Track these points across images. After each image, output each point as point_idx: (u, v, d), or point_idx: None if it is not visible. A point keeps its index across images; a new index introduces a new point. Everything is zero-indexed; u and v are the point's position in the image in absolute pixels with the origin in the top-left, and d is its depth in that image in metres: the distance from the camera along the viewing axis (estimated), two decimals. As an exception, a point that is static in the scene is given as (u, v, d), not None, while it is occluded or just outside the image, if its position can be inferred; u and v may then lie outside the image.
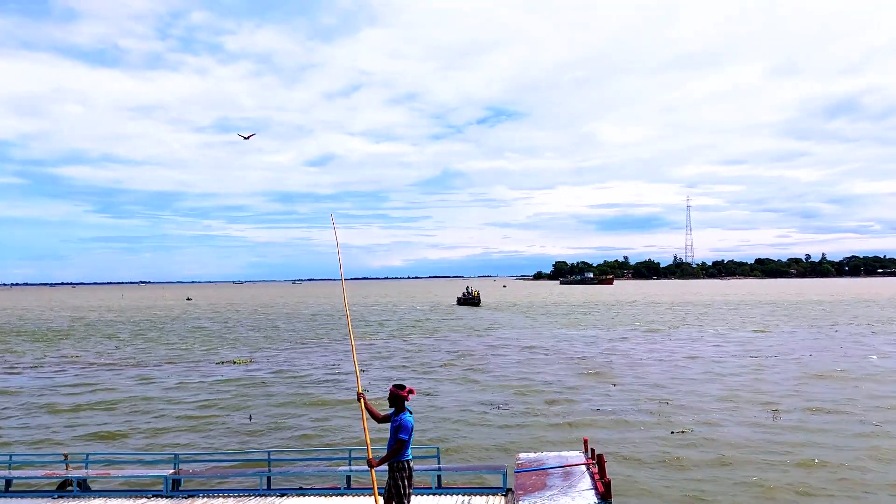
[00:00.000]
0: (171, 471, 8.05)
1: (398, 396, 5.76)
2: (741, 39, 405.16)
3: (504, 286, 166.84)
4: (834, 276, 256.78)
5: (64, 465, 8.59)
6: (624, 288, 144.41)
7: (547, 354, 24.24)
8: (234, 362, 23.08)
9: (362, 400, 5.87)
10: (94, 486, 8.37)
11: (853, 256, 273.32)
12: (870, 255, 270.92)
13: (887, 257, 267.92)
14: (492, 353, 24.82)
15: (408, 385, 6.00)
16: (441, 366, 21.57)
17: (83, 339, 33.87)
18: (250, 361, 23.31)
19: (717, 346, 26.49)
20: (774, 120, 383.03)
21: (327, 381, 18.77)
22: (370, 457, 5.67)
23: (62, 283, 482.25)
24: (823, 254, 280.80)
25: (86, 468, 8.37)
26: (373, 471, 5.67)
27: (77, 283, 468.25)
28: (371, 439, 5.70)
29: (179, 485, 7.97)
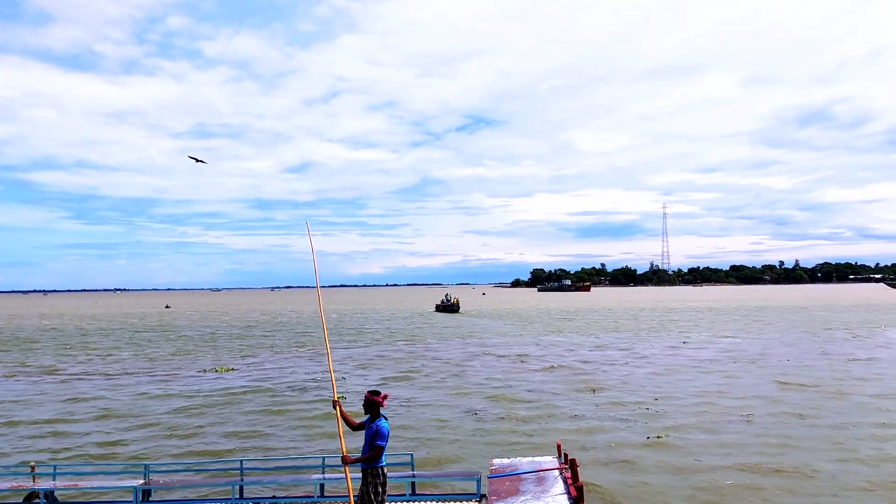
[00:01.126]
0: (142, 481, 7.93)
1: (373, 402, 5.80)
2: (718, 50, 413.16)
3: (483, 293, 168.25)
4: (807, 283, 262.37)
5: (31, 476, 8.39)
6: (601, 294, 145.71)
7: (526, 361, 24.31)
8: (215, 371, 22.96)
9: (338, 407, 5.89)
10: (61, 499, 8.20)
11: (825, 263, 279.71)
12: (841, 262, 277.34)
13: (858, 263, 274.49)
14: (471, 360, 24.84)
15: (383, 391, 6.17)
16: (419, 372, 21.55)
17: (52, 348, 33.16)
18: (230, 370, 23.18)
19: (695, 350, 26.81)
20: (749, 129, 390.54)
21: (304, 388, 18.70)
22: (345, 453, 5.71)
23: (34, 291, 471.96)
24: (797, 260, 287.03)
25: (53, 480, 8.21)
26: (346, 468, 5.71)
27: (49, 291, 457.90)
28: (346, 445, 5.77)
29: (150, 495, 7.86)
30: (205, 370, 23.26)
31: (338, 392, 17.45)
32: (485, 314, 63.02)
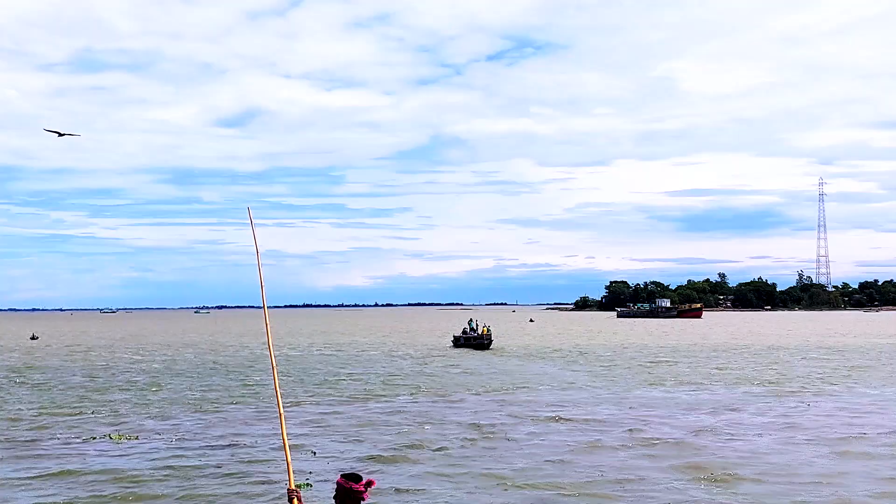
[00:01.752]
0: None
1: (350, 493, 6.07)
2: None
3: (531, 320, 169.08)
4: None
5: None
6: (720, 323, 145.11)
7: (602, 430, 24.08)
8: (109, 438, 23.24)
9: (295, 502, 6.27)
10: None
11: None
12: None
13: None
14: (511, 427, 24.75)
15: (366, 476, 6.28)
16: (426, 447, 21.49)
17: None
18: (131, 437, 23.40)
19: (882, 414, 26.44)
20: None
21: (242, 474, 18.69)
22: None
23: None
24: None
25: None
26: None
27: None
28: None
29: None
30: (93, 437, 23.42)
31: (298, 478, 17.46)
32: (532, 353, 63.07)
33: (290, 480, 6.39)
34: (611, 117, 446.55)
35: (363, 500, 6.07)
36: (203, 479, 17.93)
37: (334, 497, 6.13)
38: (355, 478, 6.13)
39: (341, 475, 6.19)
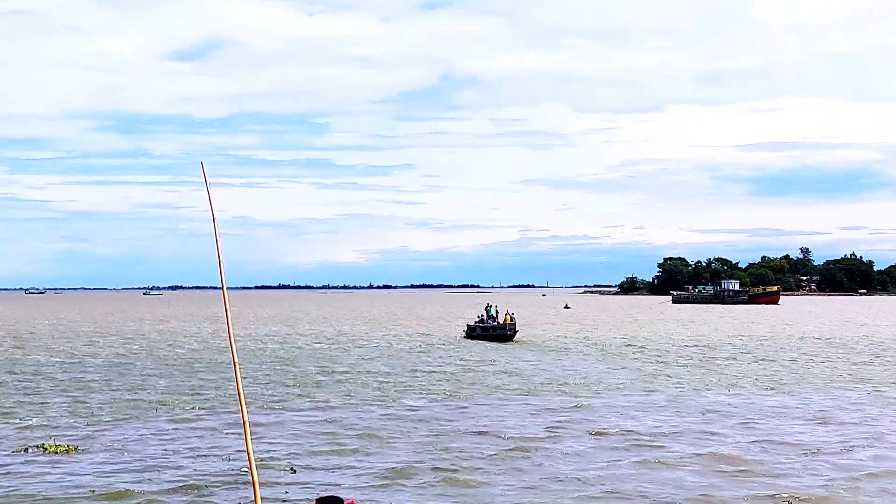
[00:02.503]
0: None
1: None
2: None
3: (567, 306, 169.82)
4: None
5: None
6: (804, 310, 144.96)
7: (668, 448, 23.87)
8: (44, 449, 23.30)
9: None
10: None
11: None
12: None
13: None
14: (545, 442, 24.63)
15: (347, 499, 6.56)
16: (434, 465, 21.39)
17: None
18: (72, 449, 23.40)
19: None
20: None
21: (203, 488, 18.84)
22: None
23: None
24: None
25: None
26: None
27: None
28: None
29: None
30: (25, 449, 23.51)
31: (272, 501, 17.51)
32: (568, 347, 63.36)
33: (256, 501, 6.69)
34: (666, 52, 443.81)
35: None
36: (160, 495, 18.03)
37: None
38: (334, 501, 6.51)
39: (316, 499, 6.58)
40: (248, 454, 6.97)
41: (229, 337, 7.88)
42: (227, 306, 7.92)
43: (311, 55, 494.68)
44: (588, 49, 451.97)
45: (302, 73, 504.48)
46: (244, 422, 7.13)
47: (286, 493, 17.90)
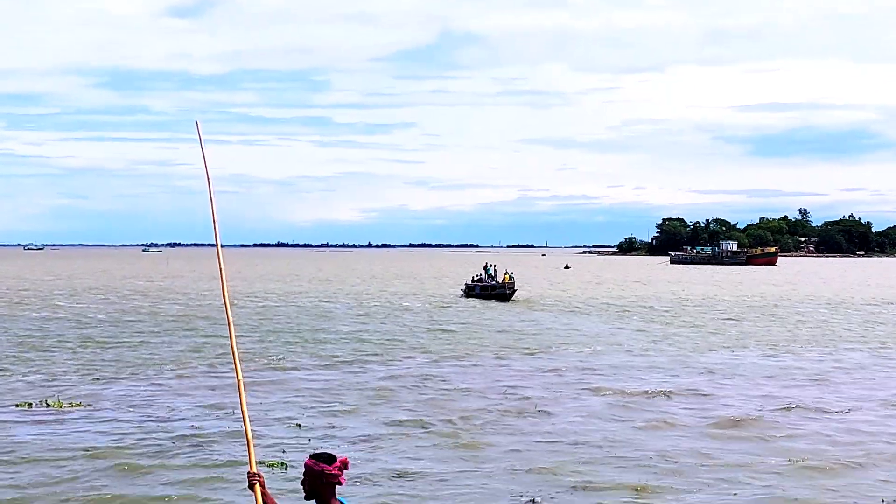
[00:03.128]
0: None
1: (322, 476, 6.37)
2: None
3: (567, 266, 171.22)
4: None
5: None
6: (803, 271, 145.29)
7: (669, 407, 23.92)
8: (45, 405, 23.44)
9: (257, 488, 6.50)
10: None
11: None
12: None
13: None
14: (545, 400, 24.67)
15: (340, 455, 6.55)
16: (434, 422, 21.53)
17: None
18: (73, 405, 23.51)
19: None
20: None
21: (197, 443, 18.97)
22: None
23: None
24: None
25: None
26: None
27: None
28: None
29: None
30: (28, 404, 23.58)
31: (275, 455, 17.67)
32: (568, 306, 63.61)
33: (251, 463, 6.59)
34: (667, 11, 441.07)
35: (339, 484, 6.36)
36: (148, 457, 18.00)
37: (301, 482, 6.42)
38: (327, 458, 6.36)
39: (310, 456, 6.47)
40: (242, 411, 7.01)
41: (223, 294, 7.91)
42: (222, 264, 8.01)
43: (309, 12, 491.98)
44: (589, 7, 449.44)
45: (301, 30, 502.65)
46: (238, 380, 7.11)
47: (283, 452, 17.92)
